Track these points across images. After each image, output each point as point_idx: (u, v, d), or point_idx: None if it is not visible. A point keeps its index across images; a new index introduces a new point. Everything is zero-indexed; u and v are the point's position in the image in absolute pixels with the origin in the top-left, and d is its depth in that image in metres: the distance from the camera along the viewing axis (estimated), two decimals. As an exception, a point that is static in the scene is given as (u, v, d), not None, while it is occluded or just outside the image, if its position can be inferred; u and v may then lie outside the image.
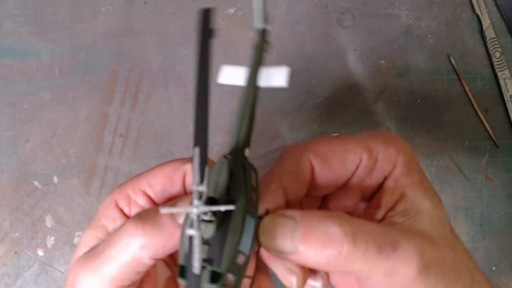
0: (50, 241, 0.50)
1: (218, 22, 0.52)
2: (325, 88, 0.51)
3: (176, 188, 0.32)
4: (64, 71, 0.51)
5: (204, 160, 0.24)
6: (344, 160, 0.32)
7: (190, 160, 0.31)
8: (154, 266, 0.33)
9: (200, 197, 0.23)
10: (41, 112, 0.51)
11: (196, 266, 0.22)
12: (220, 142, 0.51)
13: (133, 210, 0.32)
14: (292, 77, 0.51)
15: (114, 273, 0.29)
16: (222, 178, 0.26)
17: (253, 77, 0.28)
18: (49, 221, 0.50)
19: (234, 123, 0.28)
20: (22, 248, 0.50)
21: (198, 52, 0.26)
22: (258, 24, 0.28)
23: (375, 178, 0.33)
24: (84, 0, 0.51)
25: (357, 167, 0.33)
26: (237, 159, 0.27)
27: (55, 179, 0.51)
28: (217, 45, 0.51)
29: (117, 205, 0.32)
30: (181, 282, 0.25)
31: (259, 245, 0.29)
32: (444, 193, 0.52)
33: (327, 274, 0.32)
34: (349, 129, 0.51)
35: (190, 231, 0.22)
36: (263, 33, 0.28)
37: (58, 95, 0.51)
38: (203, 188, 0.23)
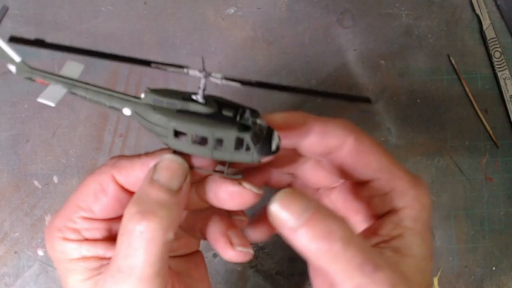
0: (50, 241, 0.50)
1: (218, 22, 0.52)
2: (325, 88, 0.51)
3: (110, 193, 0.33)
4: (64, 71, 0.51)
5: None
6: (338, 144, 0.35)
7: (112, 167, 0.33)
8: None
9: None
10: (41, 112, 0.51)
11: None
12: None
13: (86, 234, 0.33)
14: (292, 77, 0.52)
15: (155, 269, 0.30)
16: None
17: (62, 77, 0.32)
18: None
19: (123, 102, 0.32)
20: (22, 248, 0.50)
21: None
22: (15, 58, 0.32)
23: (383, 204, 0.35)
24: (84, 0, 0.51)
25: (373, 181, 0.35)
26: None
27: (55, 179, 0.51)
28: (217, 45, 0.51)
29: (69, 240, 0.33)
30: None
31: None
32: (444, 193, 0.52)
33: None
34: (349, 129, 0.51)
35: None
36: (23, 63, 0.32)
37: (58, 95, 0.51)
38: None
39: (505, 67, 0.51)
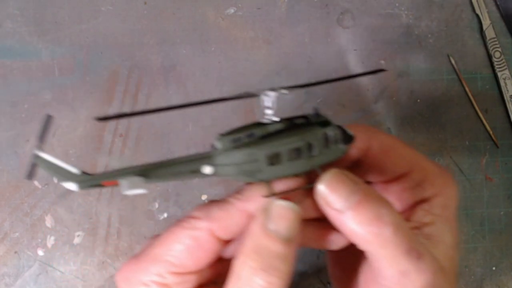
0: (50, 241, 0.50)
1: (218, 22, 0.52)
2: (325, 88, 0.51)
3: (208, 248, 0.31)
4: (64, 71, 0.51)
5: None
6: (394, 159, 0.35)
7: (207, 220, 0.31)
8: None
9: None
10: (41, 112, 0.51)
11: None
12: (220, 142, 0.51)
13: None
14: (292, 77, 0.52)
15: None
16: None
17: (129, 168, 0.29)
18: (49, 221, 0.50)
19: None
20: (22, 248, 0.50)
21: None
22: (74, 171, 0.28)
23: (414, 195, 0.35)
24: (84, 0, 0.51)
25: (403, 176, 0.35)
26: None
27: (55, 179, 0.50)
28: (217, 45, 0.51)
29: None
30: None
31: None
32: (444, 193, 0.52)
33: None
34: (349, 129, 0.51)
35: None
36: (83, 174, 0.29)
37: (58, 95, 0.51)
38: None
39: (505, 67, 0.51)
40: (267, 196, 0.30)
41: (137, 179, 0.28)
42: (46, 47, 0.51)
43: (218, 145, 0.29)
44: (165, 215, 0.51)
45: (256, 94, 0.29)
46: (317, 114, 0.31)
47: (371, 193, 0.30)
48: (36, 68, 0.51)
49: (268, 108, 0.30)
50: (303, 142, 0.29)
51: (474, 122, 0.52)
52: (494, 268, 0.51)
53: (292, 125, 0.30)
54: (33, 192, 0.50)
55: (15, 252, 0.50)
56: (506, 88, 0.51)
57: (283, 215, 0.29)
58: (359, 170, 0.36)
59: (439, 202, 0.34)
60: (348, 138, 0.31)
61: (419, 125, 0.52)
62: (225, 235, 0.31)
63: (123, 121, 0.51)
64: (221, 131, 0.30)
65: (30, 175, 0.26)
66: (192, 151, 0.50)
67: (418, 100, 0.52)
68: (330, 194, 0.29)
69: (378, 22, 0.52)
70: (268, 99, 0.29)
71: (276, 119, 0.30)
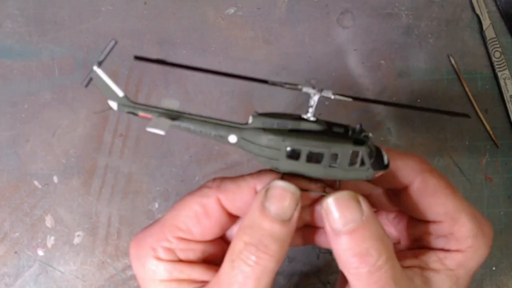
0: (50, 241, 0.50)
1: (218, 22, 0.52)
2: (325, 88, 0.51)
3: (214, 216, 0.32)
4: (64, 71, 0.51)
5: None
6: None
7: (217, 190, 0.32)
8: None
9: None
10: (41, 112, 0.51)
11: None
12: (220, 142, 0.51)
13: (180, 255, 0.33)
14: (292, 77, 0.52)
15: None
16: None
17: (165, 110, 0.31)
18: (49, 221, 0.50)
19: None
20: (22, 248, 0.50)
21: None
22: (118, 93, 0.30)
23: (436, 243, 0.35)
24: (84, 0, 0.51)
25: (436, 223, 0.35)
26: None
27: (55, 179, 0.51)
28: (217, 45, 0.51)
29: (162, 260, 0.32)
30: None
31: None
32: (444, 193, 0.52)
33: None
34: (349, 129, 0.51)
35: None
36: (126, 98, 0.31)
37: (58, 95, 0.51)
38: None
39: (505, 67, 0.51)
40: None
41: (167, 122, 0.30)
42: (46, 47, 0.51)
43: (251, 121, 0.31)
44: (165, 215, 0.51)
45: (299, 87, 0.31)
46: (361, 131, 0.31)
47: (372, 228, 0.30)
48: (36, 68, 0.51)
49: (310, 107, 0.31)
50: (327, 150, 0.29)
51: (474, 122, 0.52)
52: (494, 268, 0.51)
53: (327, 130, 0.31)
54: (33, 192, 0.50)
55: (15, 252, 0.50)
56: (506, 88, 0.51)
57: (280, 195, 0.30)
58: (389, 197, 0.36)
59: (456, 257, 0.33)
60: (380, 165, 0.31)
61: (419, 125, 0.52)
62: (232, 208, 0.32)
63: (123, 121, 0.51)
64: (260, 111, 0.31)
65: (87, 84, 0.30)
66: (192, 151, 0.50)
67: (418, 100, 0.52)
68: (334, 212, 0.30)
69: (378, 22, 0.52)
70: (314, 98, 0.31)
71: (313, 119, 0.30)
